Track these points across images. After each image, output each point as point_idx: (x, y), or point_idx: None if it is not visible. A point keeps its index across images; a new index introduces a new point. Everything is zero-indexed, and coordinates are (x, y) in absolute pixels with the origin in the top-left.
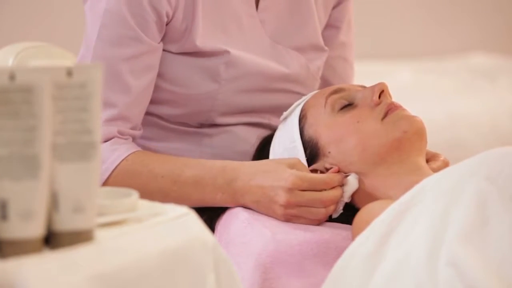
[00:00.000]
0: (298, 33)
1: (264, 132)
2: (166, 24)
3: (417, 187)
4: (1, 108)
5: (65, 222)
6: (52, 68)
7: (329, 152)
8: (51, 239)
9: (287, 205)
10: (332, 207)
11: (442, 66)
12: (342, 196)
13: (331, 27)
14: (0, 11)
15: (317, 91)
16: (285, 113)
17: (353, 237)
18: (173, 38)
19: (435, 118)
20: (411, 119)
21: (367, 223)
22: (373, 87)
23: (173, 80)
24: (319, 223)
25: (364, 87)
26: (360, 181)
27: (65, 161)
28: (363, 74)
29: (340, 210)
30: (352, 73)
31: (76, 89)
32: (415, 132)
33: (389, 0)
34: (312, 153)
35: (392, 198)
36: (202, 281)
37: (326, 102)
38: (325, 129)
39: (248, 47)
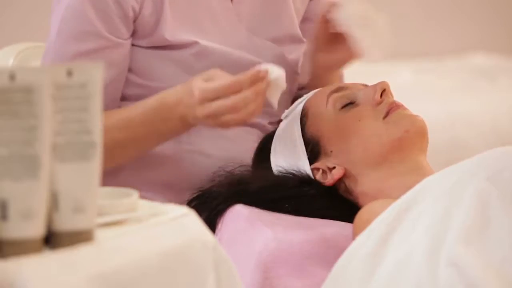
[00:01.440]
0: (274, 24)
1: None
2: (135, 20)
3: (417, 187)
4: (1, 108)
5: (65, 222)
6: (52, 68)
7: (331, 151)
8: (51, 239)
9: (207, 118)
10: (250, 109)
11: (442, 66)
12: (268, 89)
13: (308, 20)
14: (0, 11)
15: (318, 89)
16: (286, 111)
17: (353, 237)
18: (144, 33)
19: (435, 118)
20: (412, 119)
21: (367, 222)
22: (374, 85)
23: (147, 75)
24: (243, 123)
25: (366, 85)
26: (361, 181)
27: (65, 161)
28: (363, 74)
29: (273, 103)
30: None
31: (76, 89)
32: (416, 132)
33: (389, 0)
34: (314, 151)
35: (394, 198)
36: (202, 281)
37: (327, 100)
38: (327, 128)
39: (223, 40)
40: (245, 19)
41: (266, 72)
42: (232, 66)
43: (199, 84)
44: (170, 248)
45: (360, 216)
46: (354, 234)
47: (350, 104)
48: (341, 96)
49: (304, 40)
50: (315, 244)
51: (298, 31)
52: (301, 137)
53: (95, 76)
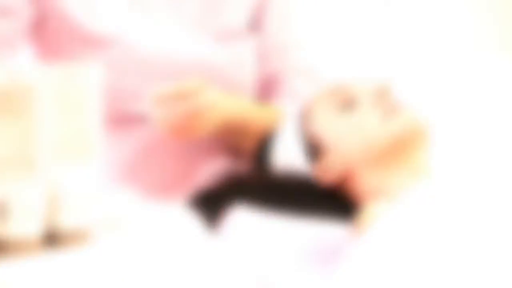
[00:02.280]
0: (217, 19)
1: None
2: None
3: (417, 187)
4: (1, 108)
5: (65, 222)
6: (52, 68)
7: (331, 151)
8: (51, 239)
9: None
10: None
11: None
12: None
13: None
14: None
15: (318, 90)
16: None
17: (354, 237)
18: None
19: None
20: (413, 119)
21: (368, 223)
22: (374, 85)
23: None
24: None
25: (366, 86)
26: (362, 181)
27: (64, 161)
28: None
29: None
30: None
31: (75, 89)
32: (416, 131)
33: (389, 0)
34: (314, 152)
35: (394, 198)
36: (202, 281)
37: (327, 101)
38: (327, 128)
39: (157, 35)
40: (186, 14)
41: None
42: (162, 60)
43: None
44: (170, 248)
45: (361, 216)
46: (355, 235)
47: (350, 104)
48: (341, 96)
49: (250, 33)
50: (315, 244)
51: (241, 25)
52: (301, 137)
53: (95, 76)
